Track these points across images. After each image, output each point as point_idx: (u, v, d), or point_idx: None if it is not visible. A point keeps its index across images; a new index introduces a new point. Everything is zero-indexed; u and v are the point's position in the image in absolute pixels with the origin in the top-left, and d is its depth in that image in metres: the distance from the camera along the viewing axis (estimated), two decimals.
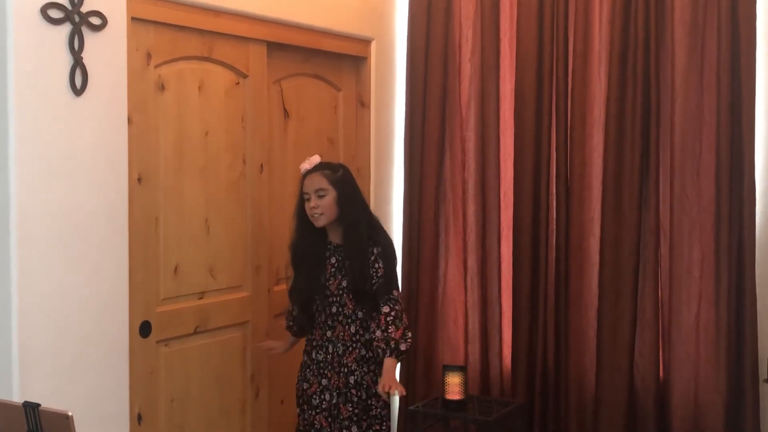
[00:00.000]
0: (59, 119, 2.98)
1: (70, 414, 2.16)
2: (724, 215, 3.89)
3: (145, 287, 3.41)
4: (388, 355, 3.42)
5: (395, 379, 3.41)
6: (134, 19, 3.28)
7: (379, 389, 3.37)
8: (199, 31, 3.60)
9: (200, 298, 3.69)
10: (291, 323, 3.78)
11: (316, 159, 3.64)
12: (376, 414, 3.58)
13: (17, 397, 2.84)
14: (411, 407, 4.13)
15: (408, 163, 4.54)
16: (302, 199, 3.62)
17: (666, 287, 4.04)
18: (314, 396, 3.60)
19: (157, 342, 3.48)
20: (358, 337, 3.57)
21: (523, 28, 4.27)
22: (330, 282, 3.58)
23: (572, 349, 4.21)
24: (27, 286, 2.90)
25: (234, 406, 3.86)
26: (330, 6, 4.23)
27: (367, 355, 3.56)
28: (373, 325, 3.50)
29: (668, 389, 4.04)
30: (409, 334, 3.49)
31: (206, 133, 3.67)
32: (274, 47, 3.98)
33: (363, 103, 4.58)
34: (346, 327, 3.57)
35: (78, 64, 3.02)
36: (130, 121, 3.27)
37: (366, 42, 4.54)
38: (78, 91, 3.03)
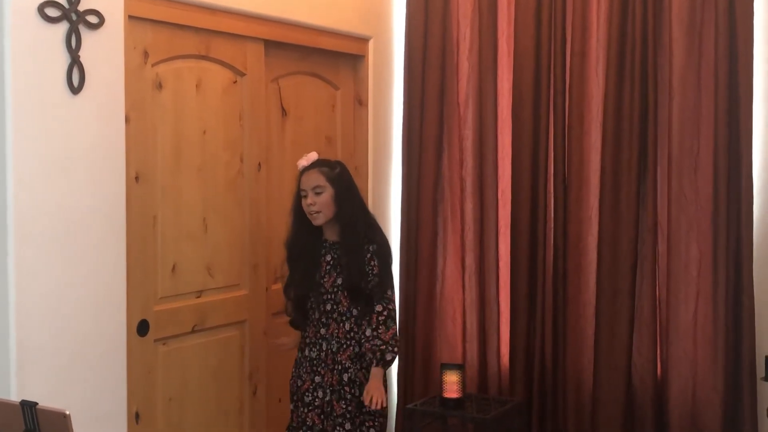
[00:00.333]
0: (56, 118, 2.98)
1: (67, 413, 2.16)
2: (721, 213, 3.90)
3: (142, 286, 3.41)
4: (374, 365, 3.50)
5: (379, 389, 3.49)
6: (131, 18, 3.28)
7: (364, 396, 3.48)
8: (197, 30, 3.60)
9: (198, 297, 3.69)
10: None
11: (313, 156, 3.64)
12: (369, 410, 3.58)
13: (15, 396, 2.84)
14: (409, 405, 4.14)
15: (406, 161, 4.54)
16: (299, 196, 3.62)
17: (664, 285, 4.05)
18: (307, 393, 3.60)
19: (155, 341, 3.48)
20: (352, 334, 3.57)
21: (521, 27, 4.26)
22: (325, 279, 3.59)
23: (570, 347, 4.21)
24: (25, 285, 2.90)
25: (232, 405, 3.86)
26: (328, 4, 4.22)
27: (360, 353, 3.56)
28: (364, 323, 3.54)
29: (666, 387, 4.04)
30: (398, 337, 3.57)
31: (204, 132, 3.67)
32: (272, 45, 3.97)
33: (361, 102, 4.57)
34: (341, 324, 3.57)
35: (75, 62, 3.02)
36: (127, 119, 3.26)
37: (364, 40, 4.53)
38: (75, 90, 3.02)
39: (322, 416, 3.57)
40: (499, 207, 4.39)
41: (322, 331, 3.59)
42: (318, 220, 3.58)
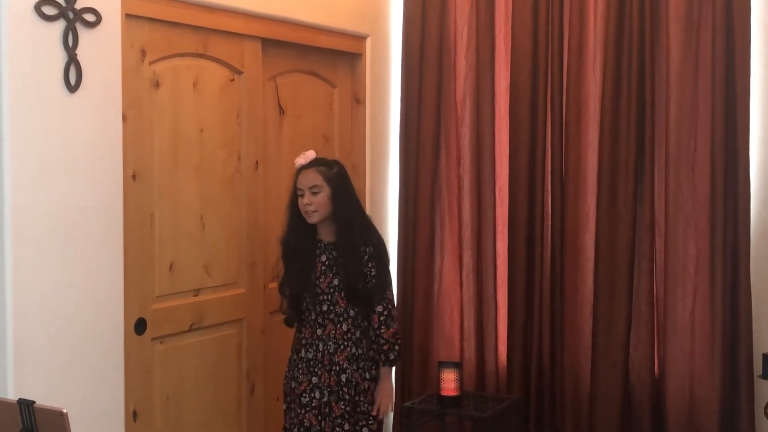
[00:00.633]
0: (53, 116, 2.98)
1: (64, 411, 2.16)
2: (719, 211, 3.90)
3: (140, 284, 3.41)
4: (381, 365, 3.59)
5: (389, 393, 3.66)
6: (128, 16, 3.27)
7: (375, 398, 3.60)
8: (194, 28, 3.60)
9: (195, 295, 3.69)
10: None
11: (311, 154, 3.63)
12: (363, 410, 3.60)
13: (12, 395, 2.83)
14: (406, 404, 4.15)
15: (403, 159, 4.54)
16: (295, 194, 3.62)
17: (661, 283, 4.05)
18: (304, 394, 3.59)
19: (153, 339, 3.48)
20: (349, 335, 3.57)
21: (518, 25, 4.27)
22: (320, 280, 3.58)
23: (567, 345, 4.21)
24: (22, 284, 2.90)
25: (229, 403, 3.86)
26: (325, 3, 4.22)
27: (357, 353, 3.57)
28: (362, 324, 3.58)
29: (663, 385, 4.04)
30: (399, 335, 3.63)
31: (201, 130, 3.67)
32: (269, 44, 3.97)
33: (358, 100, 4.57)
34: (338, 325, 3.57)
35: (72, 61, 3.01)
36: (124, 118, 3.26)
37: (361, 39, 4.53)
38: (72, 88, 3.02)
39: (319, 417, 3.56)
40: (497, 205, 4.39)
41: (319, 331, 3.59)
42: (313, 219, 3.57)
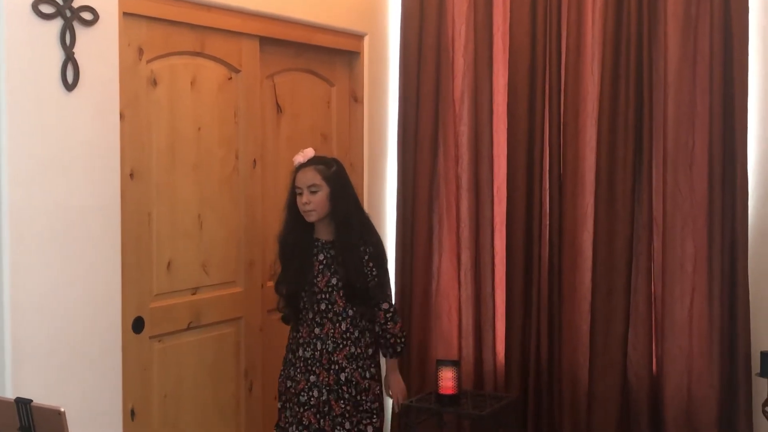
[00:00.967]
0: (51, 115, 2.97)
1: (62, 410, 2.15)
2: (716, 209, 3.90)
3: (138, 283, 3.40)
4: (389, 356, 3.67)
5: (400, 383, 3.79)
6: (126, 14, 3.27)
7: (386, 390, 3.74)
8: (192, 26, 3.59)
9: (193, 294, 3.69)
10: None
11: (310, 152, 3.63)
12: (366, 408, 3.60)
13: (10, 394, 2.83)
14: (404, 402, 4.14)
15: (401, 158, 4.54)
16: (294, 192, 3.61)
17: (659, 281, 4.05)
18: (302, 393, 3.59)
19: (151, 338, 3.47)
20: (348, 334, 3.57)
21: (516, 23, 4.26)
22: (318, 279, 3.58)
23: (565, 343, 4.21)
24: (20, 283, 2.90)
25: (228, 402, 3.86)
26: (323, 1, 4.22)
27: (356, 352, 3.57)
28: (360, 323, 3.59)
29: (661, 383, 4.04)
30: (404, 330, 3.70)
31: (199, 129, 3.66)
32: (267, 42, 3.97)
33: (356, 99, 4.57)
34: (337, 324, 3.57)
35: (69, 59, 3.01)
36: (122, 116, 3.26)
37: (359, 37, 4.53)
38: (70, 87, 3.02)
39: (318, 415, 3.57)
40: (495, 204, 4.39)
41: (317, 330, 3.59)
42: (311, 218, 3.57)
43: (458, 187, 4.47)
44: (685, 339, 3.99)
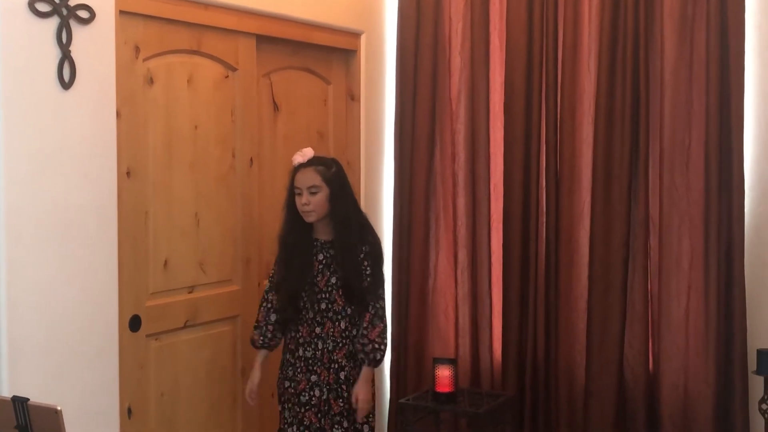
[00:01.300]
0: (47, 113, 2.97)
1: (59, 408, 2.15)
2: (713, 207, 3.90)
3: (134, 281, 3.40)
4: (365, 364, 3.55)
5: (366, 391, 3.57)
6: (122, 13, 3.27)
7: (353, 397, 3.55)
8: (188, 24, 3.59)
9: (190, 292, 3.69)
10: (264, 337, 3.65)
11: (309, 152, 3.62)
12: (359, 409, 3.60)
13: (6, 392, 2.83)
14: (401, 400, 4.14)
15: (398, 156, 4.54)
16: (293, 192, 3.61)
17: (655, 279, 4.05)
18: (303, 393, 3.59)
19: (147, 336, 3.47)
20: (347, 333, 3.57)
21: (513, 21, 4.26)
22: (318, 278, 3.58)
23: (562, 341, 4.21)
24: (16, 281, 2.90)
25: (224, 400, 3.86)
26: None
27: (354, 351, 3.57)
28: (358, 321, 3.58)
29: (658, 381, 4.05)
30: (386, 332, 3.60)
31: (195, 127, 3.66)
32: (264, 40, 3.97)
33: (353, 97, 4.57)
34: (336, 323, 3.57)
35: (66, 57, 3.01)
36: (118, 114, 3.26)
37: (356, 35, 4.53)
38: (66, 85, 3.02)
39: (319, 414, 3.57)
40: (492, 202, 4.39)
41: (318, 330, 3.59)
42: (311, 218, 3.57)
43: (455, 185, 4.47)
44: (682, 337, 3.99)
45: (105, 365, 3.21)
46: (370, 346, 3.53)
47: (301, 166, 3.58)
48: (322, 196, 3.54)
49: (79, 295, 3.10)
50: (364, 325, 3.55)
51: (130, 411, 3.39)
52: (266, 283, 3.76)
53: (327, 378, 3.55)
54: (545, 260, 4.24)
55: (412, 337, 4.50)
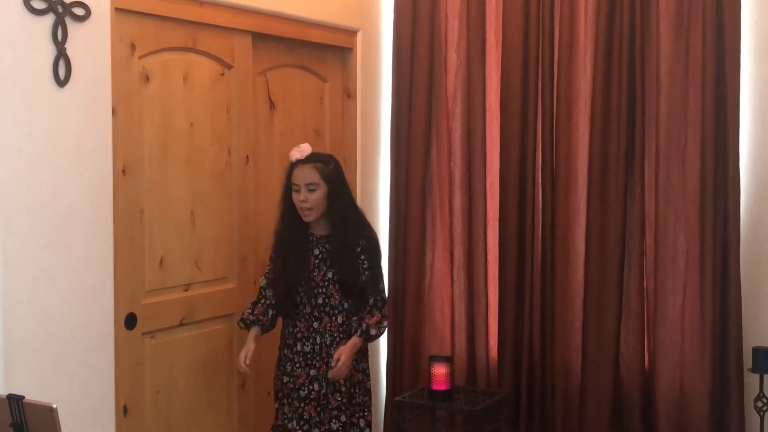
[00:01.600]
0: (43, 111, 2.97)
1: (54, 406, 2.15)
2: (709, 205, 3.91)
3: (130, 279, 3.40)
4: (357, 334, 3.55)
5: (347, 357, 3.50)
6: (118, 10, 3.26)
7: (334, 358, 3.50)
8: (184, 22, 3.59)
9: (186, 290, 3.68)
10: (260, 316, 3.66)
11: (307, 149, 3.61)
12: (359, 401, 3.63)
13: (2, 390, 2.83)
14: (397, 398, 4.15)
15: (394, 154, 4.54)
16: (289, 188, 3.61)
17: (651, 277, 4.06)
18: (303, 387, 3.59)
19: (143, 334, 3.47)
20: (344, 327, 3.58)
21: (509, 19, 4.26)
22: (314, 273, 3.59)
23: (558, 339, 4.22)
24: (11, 279, 2.89)
25: (220, 398, 3.86)
26: None
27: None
28: (355, 316, 3.59)
29: (653, 378, 4.05)
30: (385, 323, 3.62)
31: (191, 125, 3.66)
32: (260, 38, 3.96)
33: (349, 94, 4.57)
34: (333, 318, 3.58)
35: (61, 55, 3.00)
36: (114, 112, 3.25)
37: (352, 33, 4.52)
38: (62, 83, 3.01)
39: (318, 408, 3.57)
40: (488, 199, 4.40)
41: (315, 324, 3.59)
42: (309, 217, 3.58)
43: (451, 183, 4.47)
44: (677, 334, 4.00)
45: (100, 363, 3.21)
46: (365, 324, 3.55)
47: (299, 162, 3.58)
48: (321, 193, 3.54)
49: (74, 293, 3.10)
50: (363, 314, 3.57)
51: (125, 409, 3.39)
52: (262, 279, 3.75)
53: (326, 372, 3.56)
54: (541, 258, 4.24)
55: (408, 334, 4.50)
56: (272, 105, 4.12)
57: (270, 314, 3.68)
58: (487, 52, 4.40)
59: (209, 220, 3.76)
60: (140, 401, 3.47)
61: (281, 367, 3.67)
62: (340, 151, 4.48)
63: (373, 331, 3.56)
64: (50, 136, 2.99)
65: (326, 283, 3.58)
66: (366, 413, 3.66)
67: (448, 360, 4.08)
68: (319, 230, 3.63)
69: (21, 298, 2.92)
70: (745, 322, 3.88)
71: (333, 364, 3.51)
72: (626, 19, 4.01)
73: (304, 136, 4.23)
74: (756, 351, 3.76)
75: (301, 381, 3.60)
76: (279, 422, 3.67)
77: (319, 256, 3.60)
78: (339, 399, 3.57)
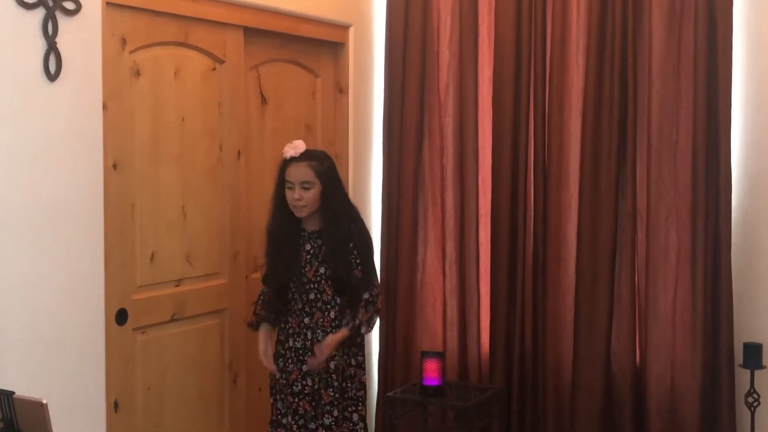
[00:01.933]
0: (33, 105, 2.96)
1: (44, 402, 2.15)
2: (700, 201, 3.92)
3: (121, 274, 3.39)
4: (348, 327, 3.54)
5: (328, 347, 3.50)
6: (109, 4, 3.25)
7: (315, 348, 3.50)
8: (175, 16, 3.57)
9: (177, 286, 3.68)
10: (267, 312, 3.68)
11: (301, 146, 3.60)
12: (351, 396, 3.63)
13: None
14: (389, 393, 4.15)
15: (386, 149, 4.53)
16: (282, 184, 3.60)
17: (642, 273, 4.06)
18: (296, 383, 3.59)
19: (134, 329, 3.46)
20: (337, 323, 3.57)
21: (502, 14, 4.26)
22: (306, 269, 3.58)
23: (549, 334, 4.22)
24: (1, 274, 2.88)
25: (211, 394, 3.85)
26: None
27: (344, 340, 3.57)
28: (348, 312, 3.58)
29: (645, 374, 4.06)
30: (376, 318, 3.63)
31: (182, 120, 3.65)
32: (252, 33, 3.95)
33: (341, 90, 4.56)
34: (325, 313, 3.57)
35: (52, 49, 2.99)
36: (105, 107, 3.24)
37: (344, 28, 4.52)
38: (52, 77, 3.00)
39: (312, 403, 3.58)
40: (480, 195, 4.40)
41: (306, 320, 3.59)
42: (302, 213, 3.57)
43: (443, 179, 4.47)
44: (669, 330, 4.01)
45: (91, 359, 3.20)
46: (357, 320, 3.55)
47: (294, 159, 3.57)
48: (315, 191, 3.54)
49: (65, 288, 3.09)
50: (356, 308, 3.56)
51: (116, 405, 3.38)
52: (262, 277, 3.75)
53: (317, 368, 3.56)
54: (533, 253, 4.24)
55: (400, 330, 4.51)
56: (264, 100, 4.11)
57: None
58: (480, 48, 4.40)
59: (200, 216, 3.75)
60: (131, 397, 3.46)
61: (274, 363, 3.67)
62: (332, 147, 4.47)
63: (363, 328, 3.57)
64: (40, 130, 2.98)
65: (318, 279, 3.58)
66: (359, 407, 3.65)
67: (440, 355, 4.09)
68: (311, 225, 3.62)
69: (11, 294, 2.91)
70: (736, 318, 3.89)
71: (315, 351, 3.51)
72: (618, 14, 4.01)
73: (296, 131, 4.22)
74: (747, 347, 3.77)
75: (293, 377, 3.60)
76: (274, 417, 3.67)
77: (311, 252, 3.60)
78: (331, 394, 3.57)
